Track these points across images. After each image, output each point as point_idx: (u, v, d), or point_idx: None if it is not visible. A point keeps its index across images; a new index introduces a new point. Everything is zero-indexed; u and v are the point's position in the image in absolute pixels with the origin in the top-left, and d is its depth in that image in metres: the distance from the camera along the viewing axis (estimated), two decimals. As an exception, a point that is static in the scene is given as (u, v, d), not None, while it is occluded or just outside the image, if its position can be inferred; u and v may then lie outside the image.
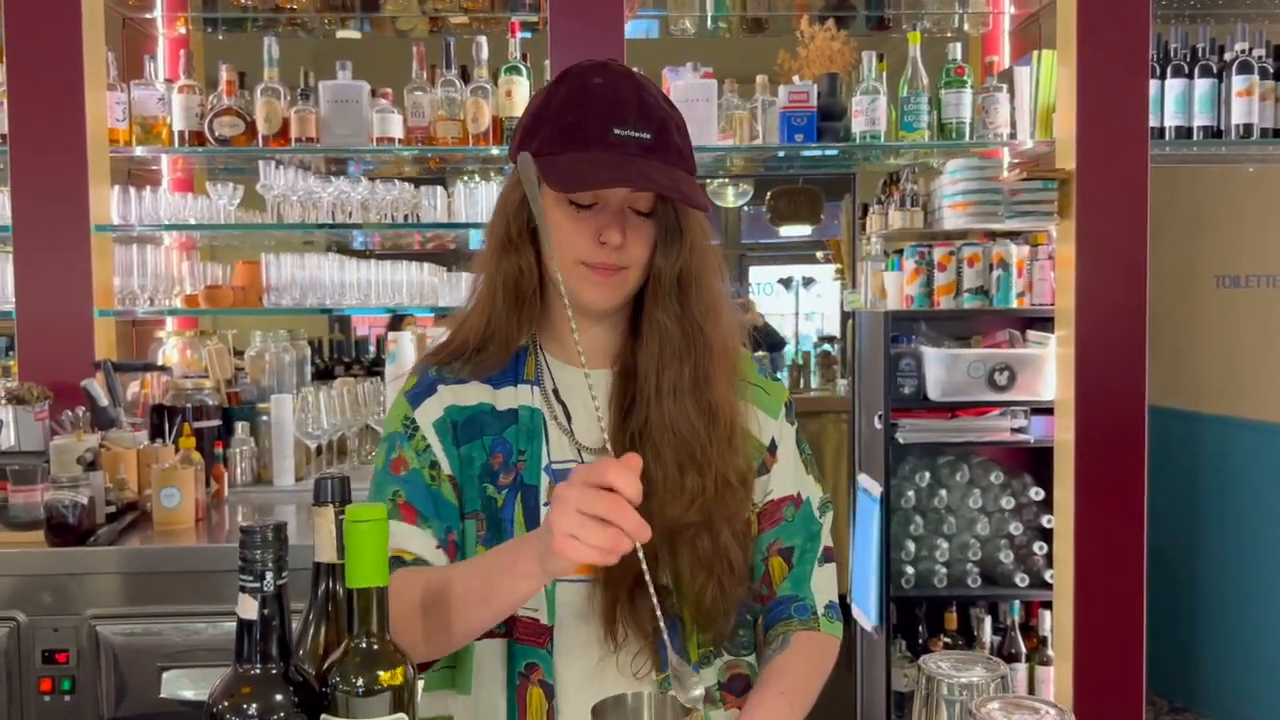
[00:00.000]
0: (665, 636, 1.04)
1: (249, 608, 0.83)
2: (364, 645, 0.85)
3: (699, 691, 1.02)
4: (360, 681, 0.84)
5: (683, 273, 1.22)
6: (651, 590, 1.02)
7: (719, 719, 1.25)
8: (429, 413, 1.24)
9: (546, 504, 1.20)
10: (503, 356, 1.25)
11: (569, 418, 1.25)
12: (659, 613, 1.04)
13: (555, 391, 1.26)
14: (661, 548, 1.17)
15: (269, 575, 0.83)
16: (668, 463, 1.19)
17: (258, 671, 0.84)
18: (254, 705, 0.83)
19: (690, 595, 1.20)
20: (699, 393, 1.22)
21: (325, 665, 0.86)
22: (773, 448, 1.30)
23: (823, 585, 1.30)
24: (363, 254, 3.38)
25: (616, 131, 1.14)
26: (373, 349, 4.45)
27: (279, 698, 0.83)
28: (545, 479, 1.21)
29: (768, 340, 5.95)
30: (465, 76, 2.99)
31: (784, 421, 1.32)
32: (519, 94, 2.93)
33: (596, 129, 1.14)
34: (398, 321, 3.58)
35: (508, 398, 1.25)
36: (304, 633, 0.95)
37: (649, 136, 1.15)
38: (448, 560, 1.20)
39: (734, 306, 1.30)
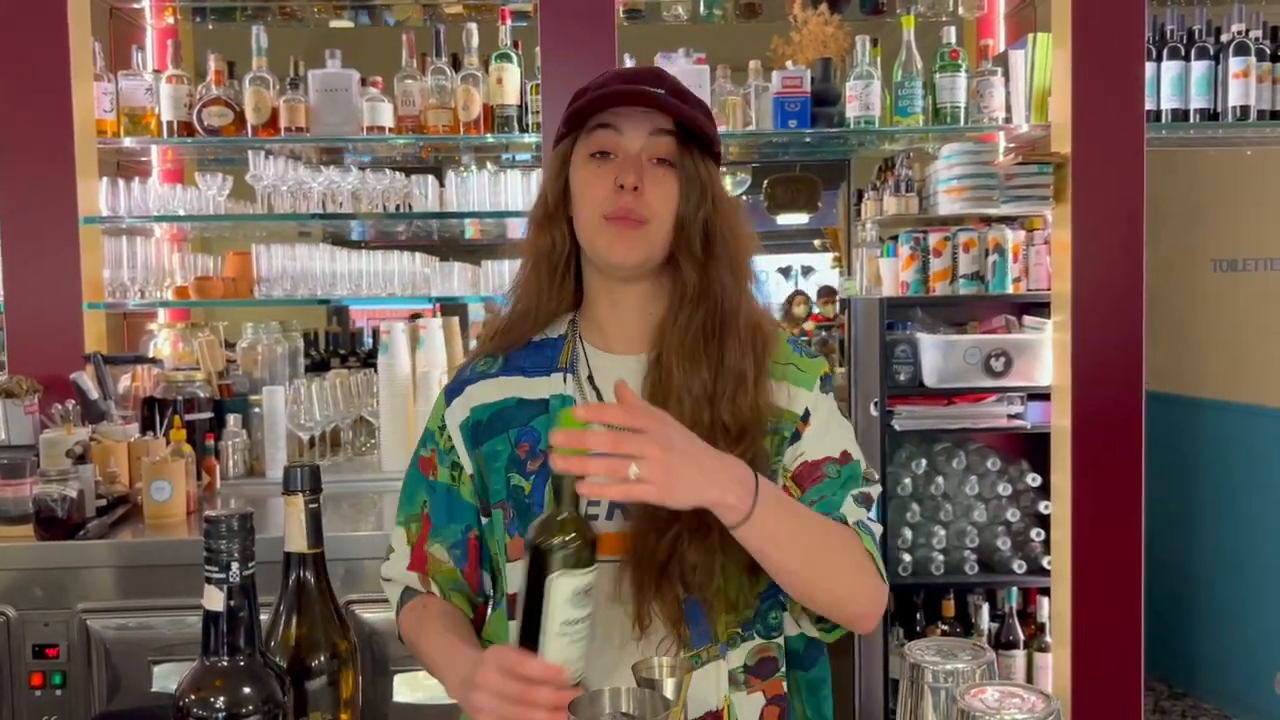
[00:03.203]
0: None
1: (215, 599, 0.81)
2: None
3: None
4: None
5: (708, 222, 1.22)
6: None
7: (740, 701, 1.22)
8: (456, 414, 1.30)
9: None
10: (531, 330, 1.28)
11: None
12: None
13: (590, 378, 1.26)
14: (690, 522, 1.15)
15: (235, 566, 0.81)
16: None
17: (225, 664, 0.82)
18: (221, 698, 0.81)
19: (706, 571, 1.16)
20: (710, 344, 1.21)
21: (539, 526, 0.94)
22: (805, 416, 1.26)
23: (853, 510, 1.23)
24: (357, 244, 3.35)
25: (629, 86, 1.22)
26: (369, 341, 4.44)
27: (247, 690, 0.82)
28: None
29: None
30: (456, 64, 2.97)
31: (819, 393, 1.28)
32: (510, 81, 2.91)
33: (613, 82, 1.25)
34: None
35: (539, 387, 1.26)
36: (275, 624, 0.94)
37: (662, 91, 1.21)
38: (466, 560, 1.29)
39: (758, 282, 1.30)
